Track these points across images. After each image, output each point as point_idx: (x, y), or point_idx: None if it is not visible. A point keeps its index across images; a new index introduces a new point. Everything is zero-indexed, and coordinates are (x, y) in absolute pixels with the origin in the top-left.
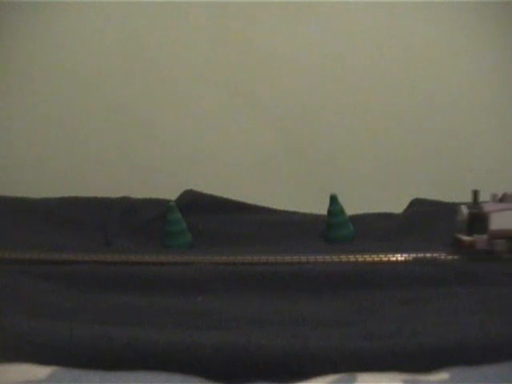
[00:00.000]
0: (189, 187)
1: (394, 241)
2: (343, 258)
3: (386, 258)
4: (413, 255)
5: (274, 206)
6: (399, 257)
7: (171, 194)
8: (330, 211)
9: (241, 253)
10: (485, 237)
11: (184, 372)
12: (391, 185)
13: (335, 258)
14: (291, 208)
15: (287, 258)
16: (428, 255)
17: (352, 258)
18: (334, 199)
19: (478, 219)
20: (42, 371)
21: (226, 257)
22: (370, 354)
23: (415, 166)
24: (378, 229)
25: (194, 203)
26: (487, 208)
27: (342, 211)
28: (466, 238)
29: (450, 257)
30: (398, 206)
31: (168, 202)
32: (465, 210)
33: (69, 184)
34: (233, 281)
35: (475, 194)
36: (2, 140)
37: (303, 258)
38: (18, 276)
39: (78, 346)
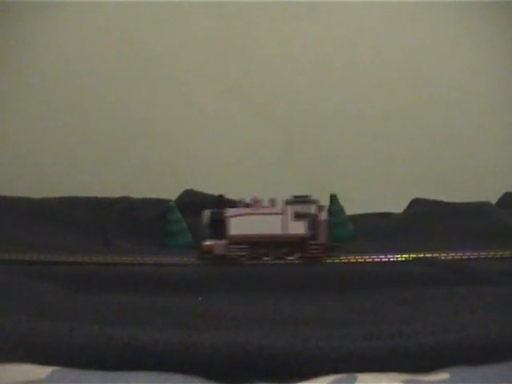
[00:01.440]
0: (189, 187)
1: (394, 241)
2: (343, 258)
3: (385, 258)
4: (412, 255)
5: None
6: (399, 257)
7: (171, 194)
8: (330, 211)
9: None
10: (224, 242)
11: (184, 372)
12: (391, 185)
13: (335, 258)
14: None
15: (287, 258)
16: (428, 255)
17: (352, 258)
18: (334, 199)
19: (218, 223)
20: (42, 371)
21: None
22: (370, 354)
23: (415, 166)
24: (378, 229)
25: (194, 203)
26: (228, 213)
27: (342, 211)
28: (205, 242)
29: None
30: (397, 206)
31: (168, 201)
32: (208, 214)
33: (69, 184)
34: (233, 281)
35: (220, 198)
36: (1, 140)
37: (303, 258)
38: (18, 276)
39: (78, 346)
